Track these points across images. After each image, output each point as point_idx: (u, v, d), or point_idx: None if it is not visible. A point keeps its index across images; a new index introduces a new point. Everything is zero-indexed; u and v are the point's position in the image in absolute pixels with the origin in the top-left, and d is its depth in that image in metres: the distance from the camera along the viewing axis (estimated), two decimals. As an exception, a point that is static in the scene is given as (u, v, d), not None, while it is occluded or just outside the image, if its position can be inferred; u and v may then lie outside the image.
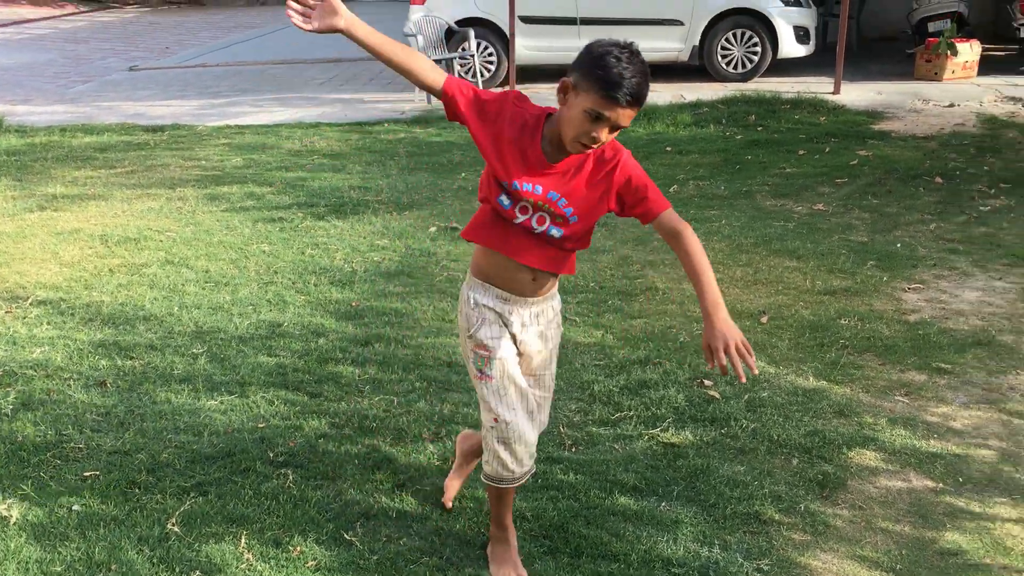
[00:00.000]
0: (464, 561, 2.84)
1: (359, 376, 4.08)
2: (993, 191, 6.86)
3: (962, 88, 10.58)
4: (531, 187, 2.39)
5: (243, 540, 2.93)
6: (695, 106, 10.04)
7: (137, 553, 2.88)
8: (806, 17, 11.26)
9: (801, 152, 8.28)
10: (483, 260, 2.58)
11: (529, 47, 11.43)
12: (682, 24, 11.19)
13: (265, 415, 3.74)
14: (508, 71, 11.20)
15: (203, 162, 8.45)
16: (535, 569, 2.78)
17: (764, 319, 4.68)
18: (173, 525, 3.01)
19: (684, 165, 7.98)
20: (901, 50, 12.67)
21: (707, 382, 3.97)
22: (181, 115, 10.81)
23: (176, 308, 4.90)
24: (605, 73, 2.21)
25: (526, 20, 11.22)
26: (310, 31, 2.24)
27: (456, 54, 11.20)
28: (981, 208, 6.46)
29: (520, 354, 2.62)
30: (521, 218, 2.45)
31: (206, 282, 5.29)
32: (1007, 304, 4.79)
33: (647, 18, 11.26)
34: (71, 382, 4.05)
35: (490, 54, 11.45)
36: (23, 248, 5.95)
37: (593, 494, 3.14)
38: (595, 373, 4.08)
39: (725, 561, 2.78)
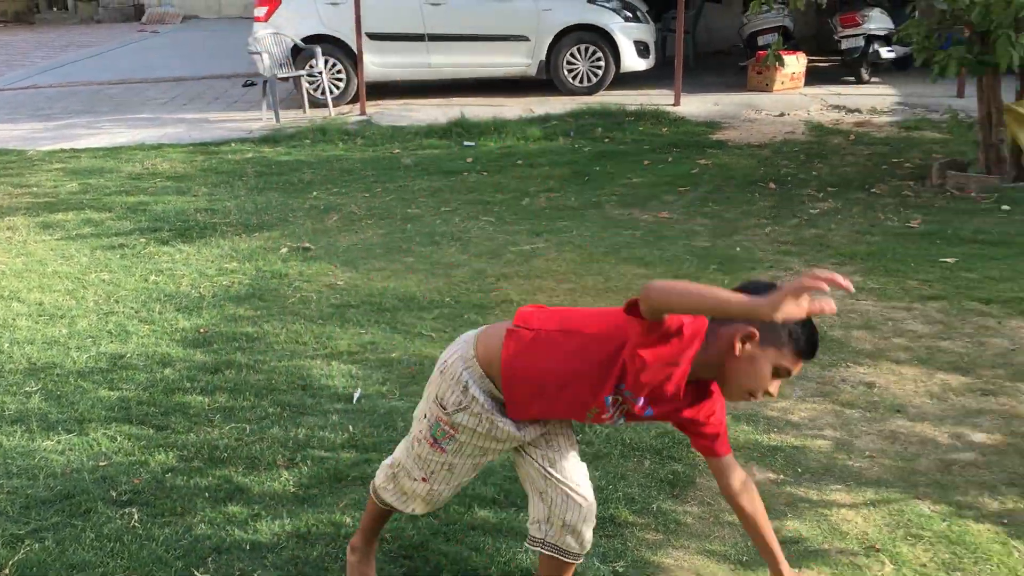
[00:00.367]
0: (323, 588, 2.79)
1: (208, 405, 3.95)
2: (821, 195, 7.29)
3: (791, 98, 11.21)
4: (645, 406, 2.28)
5: (86, 586, 2.78)
6: (544, 120, 10.24)
7: (-33, 610, 2.69)
8: (645, 32, 11.67)
9: (646, 162, 8.57)
10: (508, 376, 2.34)
11: (378, 64, 11.39)
12: (528, 40, 11.40)
13: (107, 452, 3.56)
14: (358, 88, 11.12)
15: (34, 188, 8.01)
16: (395, 590, 2.76)
17: (615, 326, 4.80)
18: (7, 576, 2.83)
19: (535, 178, 8.11)
20: (734, 63, 13.32)
21: (561, 391, 4.04)
22: (9, 140, 10.22)
23: (6, 344, 4.61)
24: (810, 335, 2.23)
25: (374, 37, 11.18)
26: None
27: (303, 71, 11.05)
28: (811, 211, 6.85)
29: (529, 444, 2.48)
30: (605, 413, 2.33)
31: (39, 315, 5.01)
32: (837, 301, 5.07)
33: (494, 34, 11.42)
34: None
35: (339, 71, 11.35)
36: None
37: (452, 510, 3.14)
38: (452, 388, 4.08)
39: (582, 566, 2.83)
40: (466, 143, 9.49)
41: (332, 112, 10.92)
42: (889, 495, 3.21)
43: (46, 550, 2.95)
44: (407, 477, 2.55)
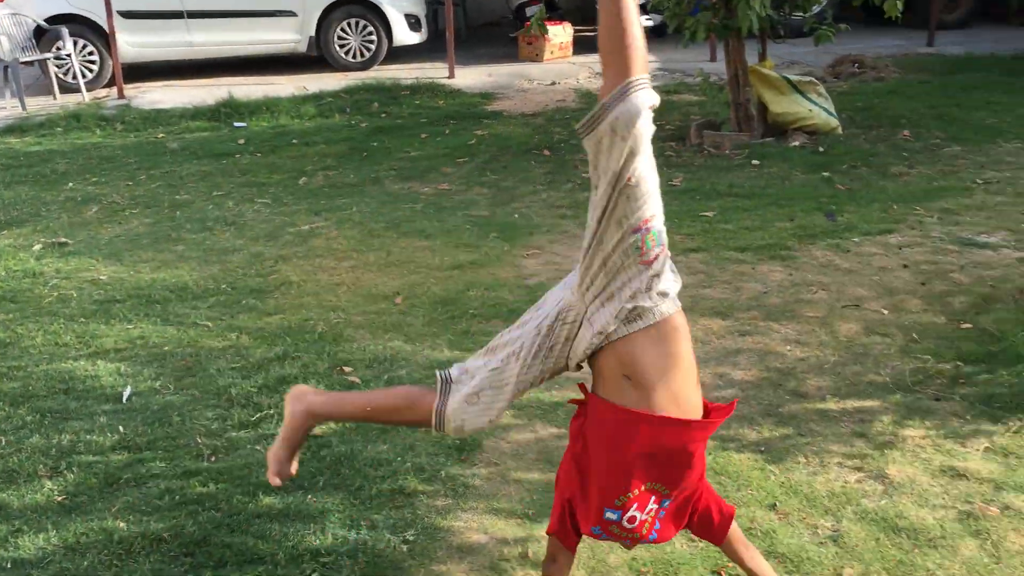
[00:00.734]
0: (97, 599, 2.62)
1: (-44, 420, 3.61)
2: (593, 159, 7.57)
3: (560, 67, 11.54)
4: None
5: None
6: (318, 97, 10.01)
7: None
8: (416, 5, 11.63)
9: (424, 135, 8.57)
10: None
11: (134, 44, 10.72)
12: (295, 15, 11.07)
13: None
14: (113, 71, 10.42)
15: None
16: (178, 590, 2.64)
17: (398, 300, 4.79)
18: None
19: (311, 156, 7.93)
20: (505, 34, 13.54)
21: (346, 368, 3.99)
22: None
23: None
24: None
25: (127, 15, 10.50)
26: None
27: (50, 55, 10.22)
28: (583, 175, 7.10)
29: None
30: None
31: None
32: (610, 259, 5.30)
33: (259, 10, 11.01)
34: None
35: (90, 53, 10.58)
36: None
37: (236, 500, 3.04)
38: (232, 377, 3.94)
39: (374, 540, 2.83)
40: (236, 124, 9.12)
41: (86, 97, 10.17)
42: (661, 437, 3.40)
43: None
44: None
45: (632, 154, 1.99)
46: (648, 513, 2.17)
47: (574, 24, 12.53)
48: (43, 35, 10.23)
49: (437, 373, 2.30)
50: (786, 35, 8.62)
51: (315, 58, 11.46)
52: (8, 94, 9.95)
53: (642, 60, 2.01)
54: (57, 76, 10.32)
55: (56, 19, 10.30)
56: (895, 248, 5.22)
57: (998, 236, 5.35)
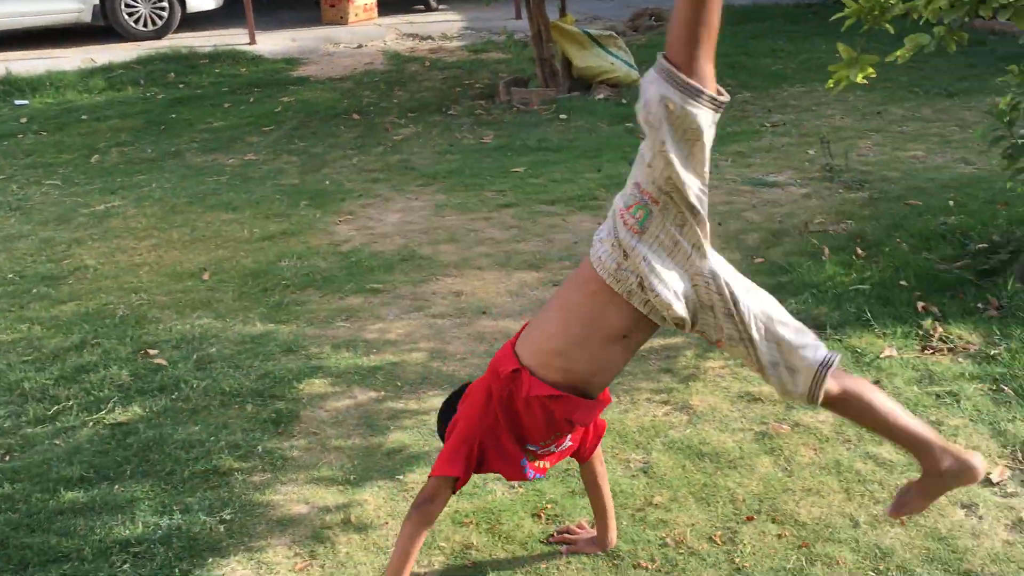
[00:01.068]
0: None
1: None
2: (403, 121, 7.50)
3: (367, 29, 11.33)
4: None
5: None
6: (108, 69, 9.42)
7: None
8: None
9: (227, 105, 8.24)
10: None
11: None
12: (76, -18, 10.34)
13: None
14: None
15: None
16: (-27, 601, 2.47)
17: (206, 276, 4.61)
18: None
19: (104, 132, 7.48)
20: (308, -2, 13.15)
21: (151, 351, 3.82)
22: None
23: None
24: None
25: None
26: None
27: None
28: (394, 138, 7.03)
29: None
30: None
31: None
32: (423, 220, 5.30)
33: (34, -23, 10.21)
34: None
35: None
36: None
37: (35, 499, 2.86)
38: (24, 370, 3.69)
39: (188, 523, 2.73)
40: (17, 102, 8.47)
41: None
42: (479, 390, 3.45)
43: None
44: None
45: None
46: (560, 447, 2.35)
47: (378, -15, 12.31)
48: None
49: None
50: (585, -10, 8.79)
51: (102, 28, 10.73)
52: None
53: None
54: None
55: None
56: (694, 192, 5.47)
57: (785, 175, 5.71)
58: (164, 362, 3.72)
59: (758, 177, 5.67)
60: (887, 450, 2.95)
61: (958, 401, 3.19)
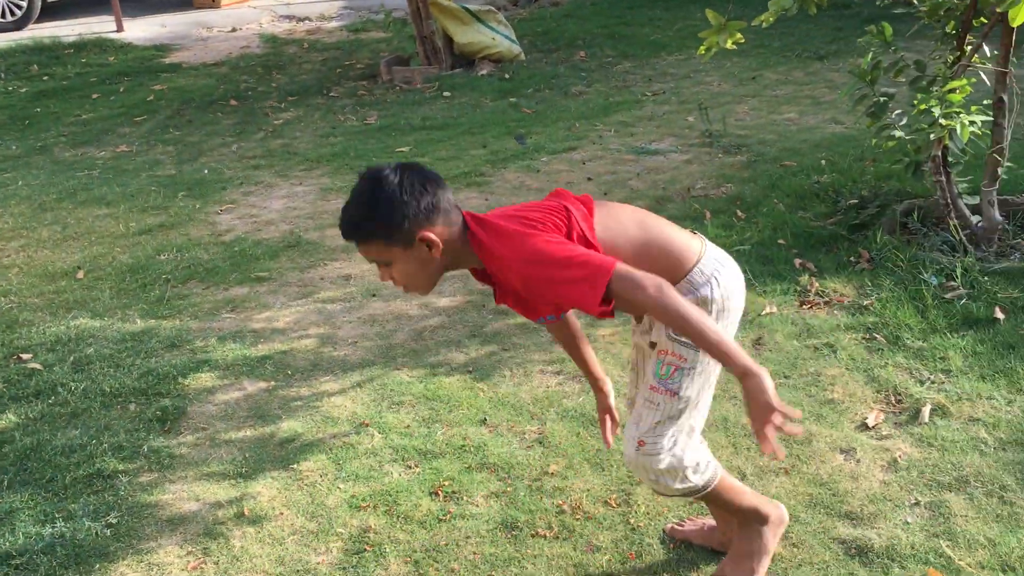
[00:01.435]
0: None
1: None
2: (283, 105, 7.34)
3: (241, 12, 11.01)
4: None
5: None
6: (-36, 63, 8.92)
7: None
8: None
9: (95, 96, 7.91)
10: None
11: None
12: (-78, -29, 9.73)
13: None
14: None
15: None
16: None
17: (80, 274, 4.43)
18: None
19: (-38, 130, 7.08)
20: (178, -19, 12.70)
21: (24, 355, 3.65)
22: None
23: None
24: None
25: None
26: None
27: None
28: (275, 122, 6.87)
29: None
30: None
31: None
32: (309, 205, 5.20)
33: None
34: None
35: None
36: None
37: (-97, 520, 2.71)
38: None
39: (72, 530, 2.63)
40: None
41: None
42: (372, 373, 3.41)
43: None
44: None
45: None
46: None
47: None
48: None
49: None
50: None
51: (-45, 19, 10.15)
52: None
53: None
54: None
55: None
56: (579, 163, 5.52)
57: (666, 142, 5.81)
58: (39, 366, 3.56)
59: (641, 146, 5.76)
60: (771, 403, 3.05)
61: (835, 352, 3.32)
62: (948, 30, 3.80)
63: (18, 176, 5.97)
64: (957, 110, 3.57)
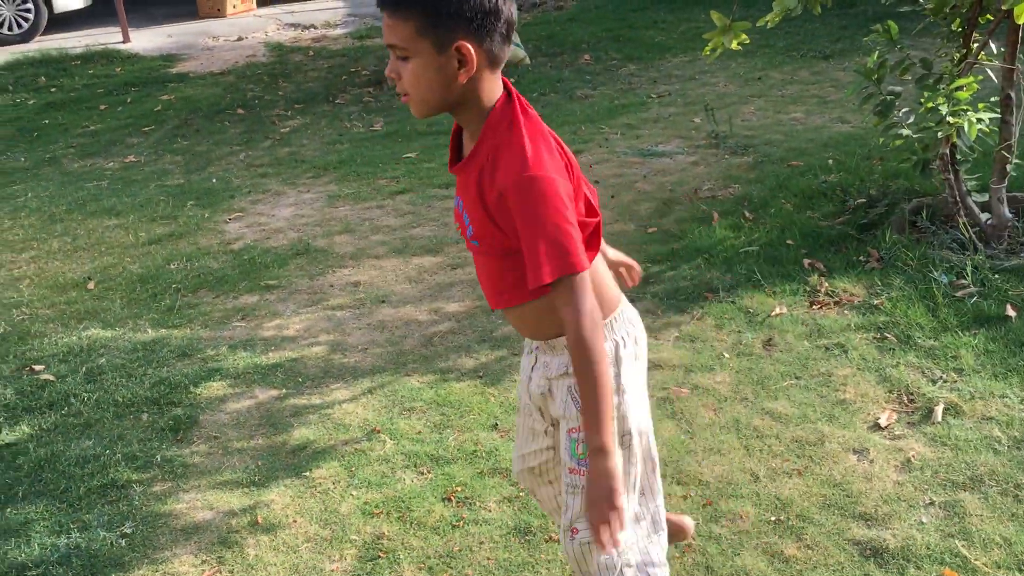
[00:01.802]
0: None
1: None
2: (290, 112, 7.36)
3: (246, 21, 11.05)
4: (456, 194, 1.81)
5: None
6: (-28, 76, 8.96)
7: None
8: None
9: (103, 107, 7.94)
10: None
11: None
12: (-71, -15, 9.79)
13: None
14: None
15: None
16: None
17: (91, 284, 4.44)
18: None
19: (-28, 143, 7.11)
20: (183, -9, 12.74)
21: (37, 367, 3.66)
22: None
23: None
24: None
25: None
26: None
27: None
28: (282, 130, 6.89)
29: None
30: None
31: None
32: (317, 212, 5.21)
33: None
34: None
35: None
36: None
37: (-80, 532, 2.72)
38: (-101, 398, 3.49)
39: (87, 541, 2.64)
40: None
41: None
42: (383, 379, 3.42)
43: None
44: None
45: None
46: None
47: (255, -25, 12.02)
48: None
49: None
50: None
51: (-37, 33, 10.20)
52: None
53: None
54: None
55: None
56: (586, 166, 5.52)
57: (673, 144, 5.81)
58: (51, 377, 3.58)
59: (647, 148, 5.76)
60: (782, 405, 3.04)
61: (846, 352, 3.32)
62: (954, 28, 3.79)
63: (28, 188, 6.00)
64: (964, 107, 3.56)
